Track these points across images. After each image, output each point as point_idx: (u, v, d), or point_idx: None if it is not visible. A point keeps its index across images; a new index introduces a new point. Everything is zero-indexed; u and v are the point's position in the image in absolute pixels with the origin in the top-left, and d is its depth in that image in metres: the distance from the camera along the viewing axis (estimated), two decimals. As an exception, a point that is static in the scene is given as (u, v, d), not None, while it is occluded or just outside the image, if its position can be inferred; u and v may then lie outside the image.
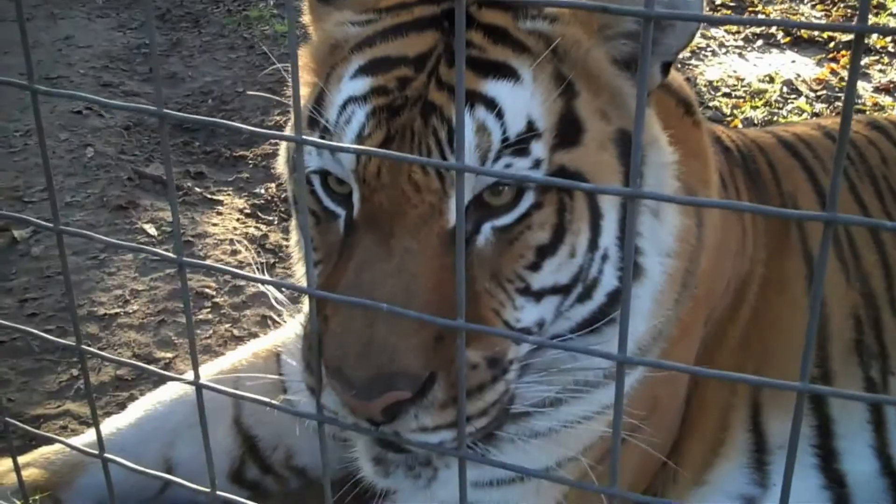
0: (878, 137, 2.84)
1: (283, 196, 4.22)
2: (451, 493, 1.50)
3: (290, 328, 2.57)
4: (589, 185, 1.01)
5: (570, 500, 2.21)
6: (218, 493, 1.39)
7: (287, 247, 3.87)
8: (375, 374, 1.47)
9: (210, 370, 2.63)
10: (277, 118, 5.07)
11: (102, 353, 1.38)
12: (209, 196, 4.24)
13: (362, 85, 1.70)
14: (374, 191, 1.63)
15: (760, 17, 6.96)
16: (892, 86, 5.81)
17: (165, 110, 1.16)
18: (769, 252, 2.51)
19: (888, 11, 7.34)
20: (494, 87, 1.65)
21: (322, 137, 1.67)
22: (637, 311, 1.93)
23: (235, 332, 3.32)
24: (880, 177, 2.70)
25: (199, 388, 1.36)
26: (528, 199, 1.66)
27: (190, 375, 1.15)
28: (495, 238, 1.66)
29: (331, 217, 1.73)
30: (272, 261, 3.78)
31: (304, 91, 1.87)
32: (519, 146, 1.63)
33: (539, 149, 1.65)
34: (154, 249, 1.29)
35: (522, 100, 1.65)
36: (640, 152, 0.94)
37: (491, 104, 1.63)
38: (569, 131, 1.68)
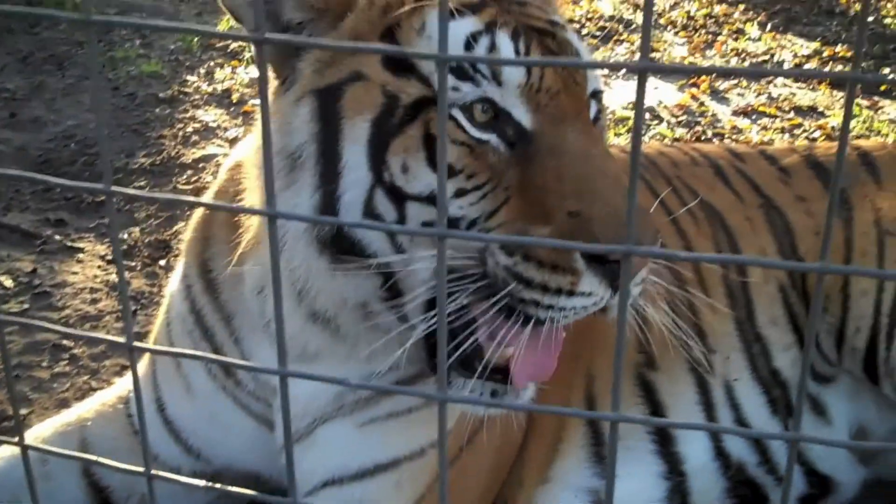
0: (668, 149, 3.07)
1: (146, 241, 4.15)
2: None
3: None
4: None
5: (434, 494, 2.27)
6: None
7: (150, 293, 3.80)
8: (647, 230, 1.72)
9: (56, 422, 2.58)
10: (142, 160, 4.98)
11: None
12: (69, 244, 4.13)
13: (473, 20, 1.84)
14: (553, 97, 1.81)
15: (625, 45, 7.13)
16: (749, 109, 6.00)
17: (113, 188, 1.13)
18: None
19: (746, 36, 7.59)
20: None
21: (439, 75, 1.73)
22: None
23: (94, 383, 3.23)
24: (673, 177, 2.88)
25: (24, 448, 1.33)
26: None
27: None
28: None
29: (482, 144, 1.80)
30: (134, 308, 3.70)
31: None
32: None
33: None
34: (103, 337, 1.25)
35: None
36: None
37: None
38: None
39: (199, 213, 2.46)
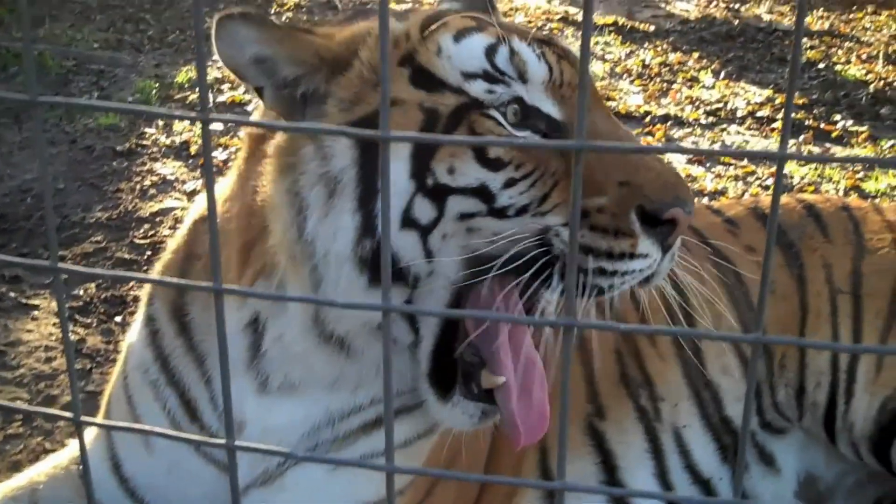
0: None
1: (102, 297, 4.12)
2: None
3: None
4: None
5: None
6: None
7: (106, 350, 3.77)
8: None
9: (6, 486, 2.55)
10: (99, 214, 4.96)
11: None
12: (24, 301, 4.10)
13: (483, 36, 2.00)
14: (574, 89, 1.95)
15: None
16: (703, 157, 6.07)
17: (60, 265, 1.13)
18: None
19: (701, 84, 7.71)
20: None
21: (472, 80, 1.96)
22: None
23: (48, 444, 3.20)
24: None
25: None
26: None
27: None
28: None
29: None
30: (89, 366, 3.67)
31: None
32: None
33: None
34: (50, 411, 1.25)
35: None
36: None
37: None
38: None
39: (167, 258, 2.45)
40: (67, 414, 1.41)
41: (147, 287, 2.48)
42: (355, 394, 2.20)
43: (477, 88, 1.93)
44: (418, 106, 1.93)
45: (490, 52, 1.96)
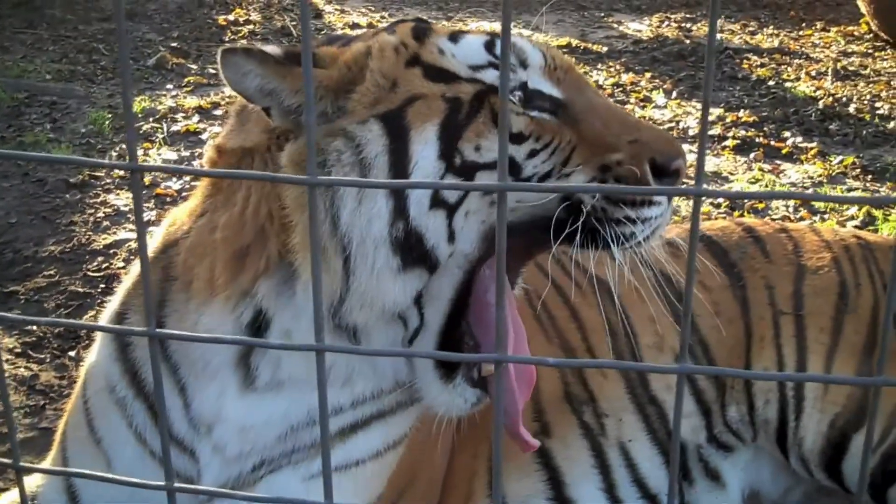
0: None
1: (55, 332, 4.10)
2: None
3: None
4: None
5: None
6: None
7: (59, 386, 3.75)
8: None
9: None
10: (52, 248, 4.93)
11: None
12: (-25, 337, 4.07)
13: (477, 35, 2.21)
14: (567, 71, 2.19)
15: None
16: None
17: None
18: None
19: (653, 104, 7.80)
20: None
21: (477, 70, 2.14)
22: None
23: (0, 483, 3.17)
24: (559, 252, 3.01)
25: None
26: None
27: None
28: None
29: (533, 118, 2.13)
30: (42, 402, 3.65)
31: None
32: None
33: None
34: None
35: None
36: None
37: None
38: None
39: (134, 274, 2.46)
40: (6, 461, 1.40)
41: (114, 305, 2.46)
42: (341, 391, 2.24)
43: (490, 76, 2.11)
44: (441, 97, 2.07)
45: (489, 46, 2.17)
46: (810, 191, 5.95)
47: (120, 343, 2.38)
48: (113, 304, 2.48)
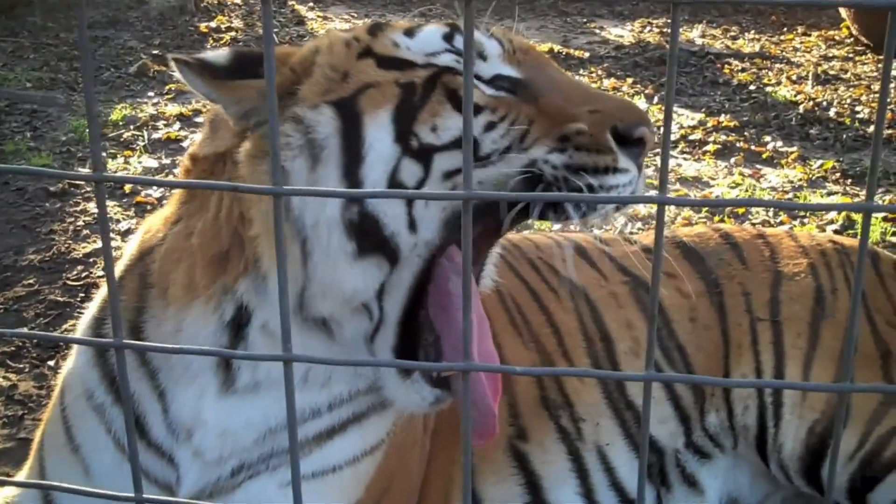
0: (533, 235, 3.28)
1: (34, 342, 4.08)
2: None
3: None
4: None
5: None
6: None
7: (38, 395, 3.73)
8: None
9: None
10: (32, 257, 4.91)
11: None
12: (-46, 348, 4.05)
13: (437, 26, 2.20)
14: (526, 53, 2.18)
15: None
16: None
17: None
18: None
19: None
20: None
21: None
22: None
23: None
24: (535, 258, 3.03)
25: None
26: None
27: None
28: None
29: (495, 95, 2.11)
30: (21, 412, 3.63)
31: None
32: None
33: None
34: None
35: None
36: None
37: None
38: None
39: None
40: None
41: (92, 311, 2.45)
42: (320, 393, 2.24)
43: (446, 58, 2.11)
44: (394, 83, 2.06)
45: (448, 37, 2.15)
46: (790, 195, 5.97)
47: (98, 349, 2.38)
48: (91, 310, 2.48)
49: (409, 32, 2.17)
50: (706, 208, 5.52)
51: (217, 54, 2.16)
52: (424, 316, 2.10)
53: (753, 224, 5.24)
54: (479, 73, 2.11)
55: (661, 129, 5.84)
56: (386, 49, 2.14)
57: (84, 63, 1.13)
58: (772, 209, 5.61)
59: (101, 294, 2.49)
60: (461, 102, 2.00)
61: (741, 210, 5.52)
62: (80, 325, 2.49)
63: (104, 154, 6.47)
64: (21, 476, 2.52)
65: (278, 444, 2.25)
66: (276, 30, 10.27)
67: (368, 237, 2.01)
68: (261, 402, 2.21)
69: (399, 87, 2.06)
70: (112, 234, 5.17)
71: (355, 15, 11.82)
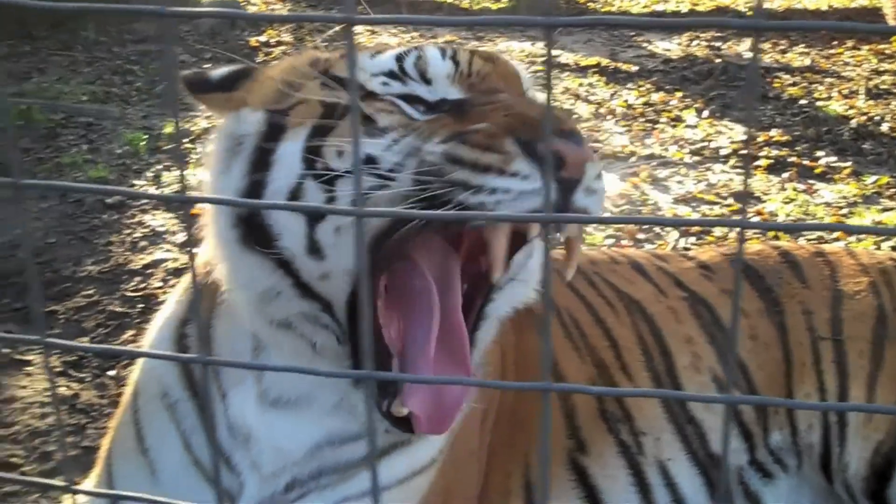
0: (589, 251, 3.26)
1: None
2: None
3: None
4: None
5: None
6: None
7: (100, 405, 3.80)
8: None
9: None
10: (90, 268, 4.99)
11: None
12: (17, 357, 4.12)
13: (392, 51, 2.17)
14: (484, 78, 2.09)
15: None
16: (689, 196, 6.14)
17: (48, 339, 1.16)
18: (517, 334, 2.73)
19: (684, 123, 7.80)
20: None
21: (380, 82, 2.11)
22: None
23: (44, 502, 3.21)
24: (591, 273, 3.02)
25: None
26: None
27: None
28: None
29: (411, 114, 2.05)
30: (84, 421, 3.69)
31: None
32: None
33: None
34: (43, 481, 1.27)
35: None
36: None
37: None
38: None
39: (188, 280, 2.48)
40: (60, 483, 1.43)
41: (167, 313, 2.47)
42: (350, 418, 2.23)
43: (374, 83, 2.07)
44: (319, 102, 2.08)
45: (400, 57, 2.13)
46: (844, 211, 5.93)
47: (180, 346, 2.40)
48: (166, 311, 2.48)
49: (375, 54, 2.18)
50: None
51: (219, 71, 2.33)
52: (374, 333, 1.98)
53: (809, 240, 5.21)
54: (421, 95, 2.06)
55: (707, 143, 5.73)
56: (340, 70, 2.17)
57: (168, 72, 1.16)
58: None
59: (175, 295, 2.50)
60: (369, 129, 1.99)
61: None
62: (156, 325, 2.50)
63: (159, 167, 6.57)
64: (89, 484, 2.56)
65: (325, 462, 2.27)
66: (325, 44, 10.35)
67: (253, 232, 2.04)
68: (297, 419, 2.24)
69: (322, 107, 2.08)
70: (168, 246, 5.25)
71: (403, 29, 11.88)
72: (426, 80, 2.07)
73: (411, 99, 2.05)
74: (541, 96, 2.24)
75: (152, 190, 6.11)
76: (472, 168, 1.82)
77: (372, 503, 1.22)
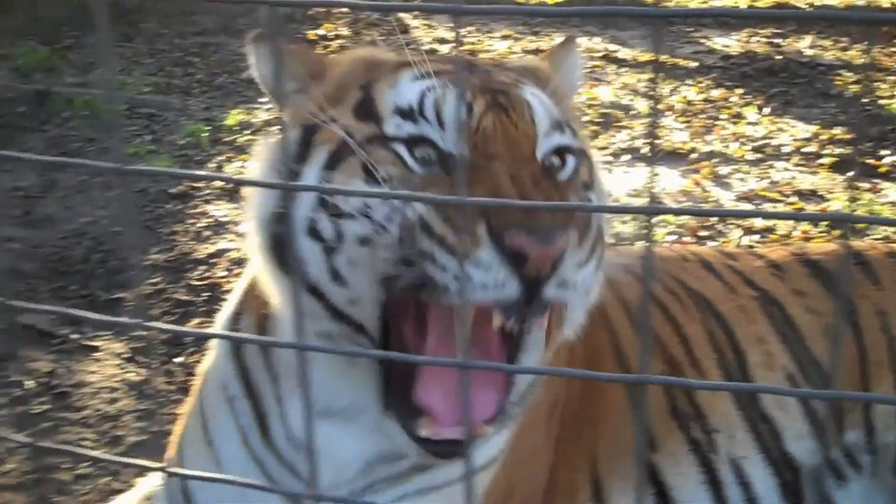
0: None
1: (162, 339, 4.20)
2: None
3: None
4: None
5: None
6: None
7: (168, 391, 3.85)
8: (550, 224, 1.76)
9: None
10: (156, 257, 5.06)
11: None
12: (86, 343, 4.20)
13: (424, 83, 2.09)
14: (486, 139, 1.99)
15: (626, 131, 7.27)
16: (752, 194, 6.09)
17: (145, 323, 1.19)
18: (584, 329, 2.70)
19: (745, 120, 7.73)
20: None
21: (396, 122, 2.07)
22: None
23: (116, 485, 3.27)
24: (660, 270, 2.99)
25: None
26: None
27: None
28: None
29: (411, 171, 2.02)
30: (154, 406, 3.75)
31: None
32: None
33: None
34: (140, 463, 1.30)
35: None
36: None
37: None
38: None
39: (249, 275, 2.51)
40: (157, 465, 1.46)
41: (230, 308, 2.52)
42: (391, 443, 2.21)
43: (390, 124, 2.05)
44: (344, 128, 2.07)
45: (423, 95, 2.08)
46: (909, 211, 5.85)
47: (233, 343, 2.46)
48: (228, 306, 2.54)
49: (396, 84, 2.14)
50: (824, 223, 5.43)
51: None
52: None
53: (875, 239, 5.14)
54: (433, 140, 2.04)
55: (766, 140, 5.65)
56: (379, 90, 2.14)
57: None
58: (892, 224, 5.49)
59: (237, 290, 2.54)
60: (370, 178, 2.00)
61: (862, 224, 5.42)
62: (219, 321, 2.56)
63: (221, 158, 6.63)
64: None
65: (380, 475, 2.29)
66: (381, 38, 10.39)
67: (278, 249, 2.09)
68: (344, 430, 2.25)
69: (337, 142, 2.08)
70: (232, 237, 5.31)
71: (452, 25, 11.86)
72: (441, 124, 2.04)
73: (420, 142, 2.04)
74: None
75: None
76: (439, 244, 1.83)
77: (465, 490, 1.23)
